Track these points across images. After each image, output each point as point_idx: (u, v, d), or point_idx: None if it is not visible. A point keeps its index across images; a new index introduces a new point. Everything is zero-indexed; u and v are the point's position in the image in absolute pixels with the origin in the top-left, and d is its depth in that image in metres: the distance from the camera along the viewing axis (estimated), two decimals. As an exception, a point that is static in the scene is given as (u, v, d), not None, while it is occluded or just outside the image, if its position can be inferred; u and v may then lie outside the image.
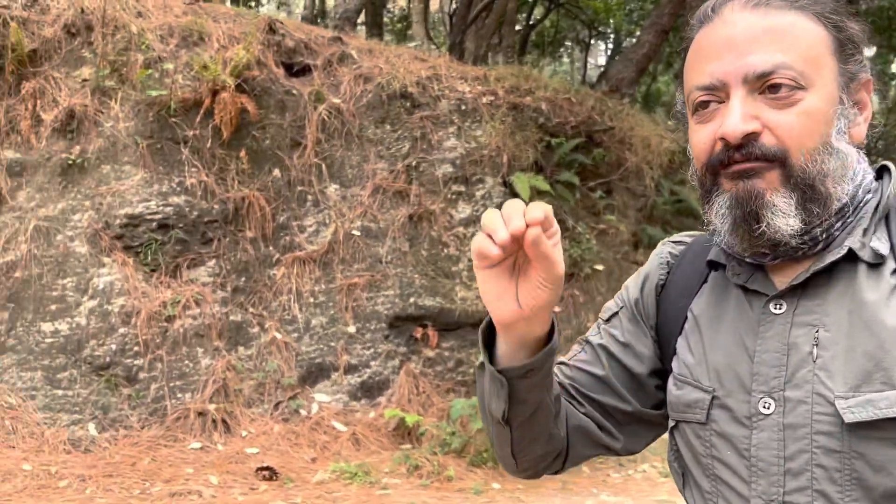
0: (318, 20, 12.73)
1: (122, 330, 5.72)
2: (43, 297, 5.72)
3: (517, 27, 14.06)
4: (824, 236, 0.97)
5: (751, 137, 0.93)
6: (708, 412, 1.02)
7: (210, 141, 6.37)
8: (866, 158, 1.03)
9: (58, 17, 6.43)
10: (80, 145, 6.16)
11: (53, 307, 5.70)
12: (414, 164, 7.01)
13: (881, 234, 0.97)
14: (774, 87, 0.94)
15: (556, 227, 0.92)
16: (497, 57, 11.60)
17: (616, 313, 1.20)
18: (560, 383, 1.16)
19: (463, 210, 7.07)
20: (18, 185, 6.04)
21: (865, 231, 0.96)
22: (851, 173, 0.98)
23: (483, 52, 11.26)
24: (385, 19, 14.94)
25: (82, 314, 5.71)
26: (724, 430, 1.00)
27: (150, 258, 5.99)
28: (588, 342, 1.21)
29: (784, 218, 0.93)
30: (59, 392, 5.49)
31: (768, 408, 0.95)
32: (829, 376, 0.92)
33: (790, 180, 0.94)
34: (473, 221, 6.99)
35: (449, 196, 7.06)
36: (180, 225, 6.13)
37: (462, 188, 7.13)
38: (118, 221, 5.99)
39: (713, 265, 1.09)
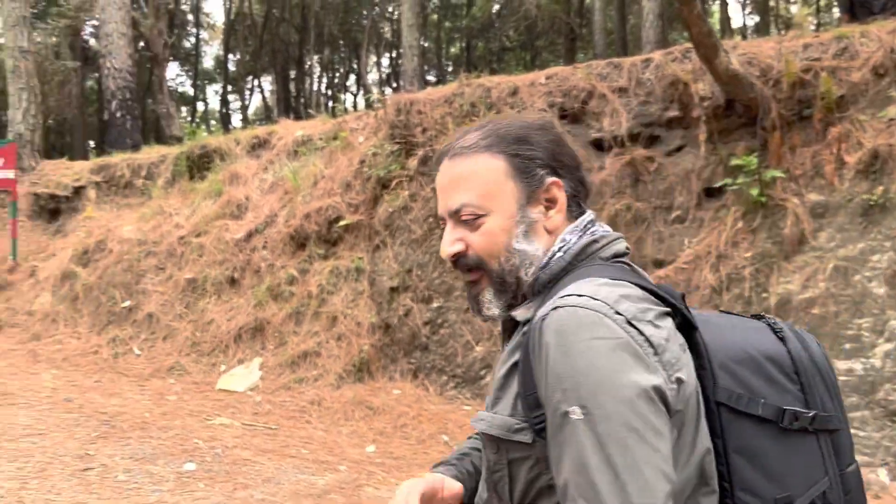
0: None
1: (921, 378, 5.33)
2: (838, 335, 5.78)
3: None
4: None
5: (458, 255, 1.32)
6: None
7: None
8: (576, 232, 1.32)
9: (866, 60, 6.50)
10: (882, 185, 6.05)
11: (848, 346, 5.71)
12: None
13: (537, 302, 1.26)
14: (466, 219, 1.31)
15: None
16: None
17: None
18: None
19: None
20: (820, 226, 6.29)
21: (531, 302, 1.28)
22: (539, 260, 1.29)
23: None
24: None
25: (877, 356, 5.55)
26: None
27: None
28: None
29: (489, 307, 1.32)
30: (851, 431, 5.44)
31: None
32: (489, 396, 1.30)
33: (490, 279, 1.31)
34: None
35: None
36: None
37: None
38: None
39: None
